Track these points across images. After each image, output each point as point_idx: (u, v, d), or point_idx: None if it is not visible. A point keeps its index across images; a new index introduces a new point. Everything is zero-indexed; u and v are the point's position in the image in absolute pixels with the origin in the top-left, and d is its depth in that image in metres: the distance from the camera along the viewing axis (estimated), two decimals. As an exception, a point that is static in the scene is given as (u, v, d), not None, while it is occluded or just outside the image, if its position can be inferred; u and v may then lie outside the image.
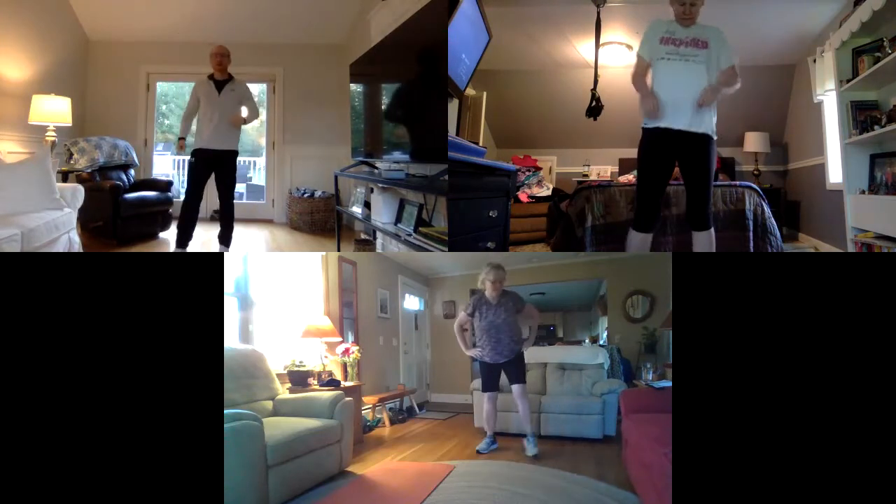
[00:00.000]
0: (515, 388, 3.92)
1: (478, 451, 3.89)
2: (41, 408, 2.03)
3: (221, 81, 4.76)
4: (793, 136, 6.17)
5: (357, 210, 4.95)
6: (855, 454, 2.03)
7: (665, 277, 4.14)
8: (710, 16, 3.34)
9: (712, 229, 3.45)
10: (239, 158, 4.96)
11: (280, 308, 4.26)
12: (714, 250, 3.48)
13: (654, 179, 3.42)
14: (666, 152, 3.34)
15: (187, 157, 5.15)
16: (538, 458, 3.65)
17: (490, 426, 3.99)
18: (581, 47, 5.62)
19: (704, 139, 3.23)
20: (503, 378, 4.08)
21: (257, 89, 7.76)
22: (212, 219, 5.21)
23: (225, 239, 4.94)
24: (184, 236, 4.79)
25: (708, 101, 3.18)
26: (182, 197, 4.88)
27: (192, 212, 4.79)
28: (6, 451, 2.01)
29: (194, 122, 4.83)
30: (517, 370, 3.95)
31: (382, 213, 4.07)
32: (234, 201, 4.97)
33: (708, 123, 3.23)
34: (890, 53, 3.54)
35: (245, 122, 4.83)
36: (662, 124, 3.25)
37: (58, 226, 4.04)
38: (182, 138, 5.01)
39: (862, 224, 3.99)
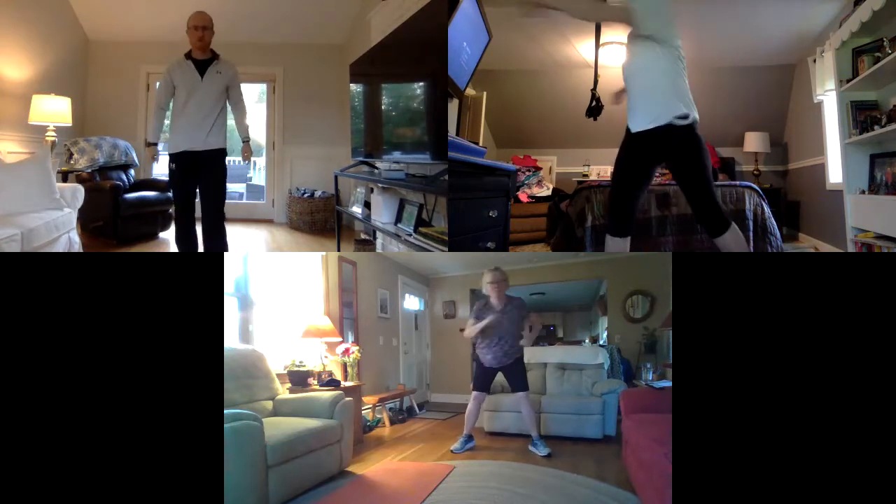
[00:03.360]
0: (519, 395, 3.93)
1: (452, 451, 3.88)
2: (42, 407, 2.03)
3: (204, 62, 3.84)
4: (793, 136, 6.17)
5: (357, 210, 4.95)
6: (855, 454, 2.03)
7: (665, 277, 4.13)
8: (711, 16, 3.30)
9: (734, 225, 3.03)
10: (239, 158, 4.48)
11: (280, 308, 4.25)
12: (746, 248, 3.12)
13: (626, 183, 3.16)
14: (638, 156, 3.06)
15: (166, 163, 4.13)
16: (551, 458, 3.65)
17: (469, 425, 4.00)
18: (581, 47, 5.62)
19: (679, 131, 2.86)
20: (501, 379, 4.10)
21: (258, 89, 7.78)
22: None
23: (219, 246, 4.10)
24: (187, 245, 4.12)
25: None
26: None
27: (188, 225, 4.06)
28: (7, 451, 2.01)
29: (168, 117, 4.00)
30: (519, 377, 3.96)
31: (382, 213, 4.07)
32: (234, 201, 4.71)
33: (674, 107, 2.85)
34: (890, 53, 3.54)
35: (248, 142, 4.12)
36: (631, 128, 3.02)
37: (58, 226, 4.04)
38: (153, 144, 4.08)
39: (862, 224, 3.99)
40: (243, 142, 4.21)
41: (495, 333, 3.89)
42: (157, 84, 3.94)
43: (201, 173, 3.93)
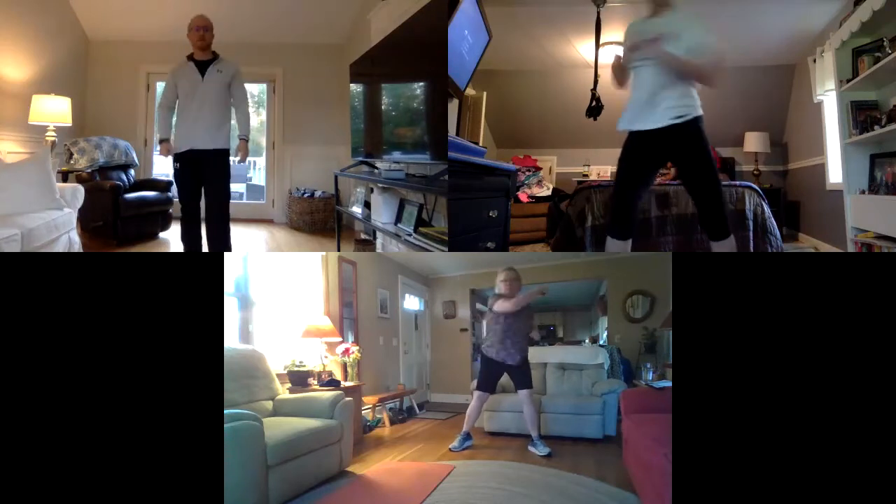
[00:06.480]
0: (523, 393, 3.94)
1: (450, 449, 3.89)
2: (42, 408, 2.03)
3: (205, 62, 4.03)
4: (793, 136, 6.17)
5: (357, 210, 4.95)
6: (855, 454, 2.03)
7: (665, 277, 4.14)
8: (711, 16, 3.31)
9: (732, 238, 3.12)
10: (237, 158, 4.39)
11: (280, 308, 4.25)
12: None
13: (629, 184, 3.19)
14: (643, 156, 3.12)
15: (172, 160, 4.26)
16: (551, 457, 3.65)
17: (469, 424, 4.01)
18: (581, 47, 5.62)
19: (686, 126, 2.93)
20: (501, 379, 4.10)
21: (257, 89, 7.78)
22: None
23: (223, 244, 4.22)
24: (192, 243, 4.25)
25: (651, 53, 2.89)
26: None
27: (194, 225, 4.19)
28: (6, 451, 2.01)
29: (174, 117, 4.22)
30: (524, 375, 3.97)
31: (382, 213, 4.07)
32: (235, 201, 4.63)
33: (681, 107, 2.92)
34: (890, 53, 3.54)
35: (246, 140, 4.17)
36: (634, 127, 3.05)
37: (58, 226, 4.04)
38: (165, 140, 4.18)
39: (862, 224, 3.99)
40: (240, 139, 4.21)
41: (511, 332, 3.90)
42: (163, 86, 4.11)
43: (205, 172, 4.08)
